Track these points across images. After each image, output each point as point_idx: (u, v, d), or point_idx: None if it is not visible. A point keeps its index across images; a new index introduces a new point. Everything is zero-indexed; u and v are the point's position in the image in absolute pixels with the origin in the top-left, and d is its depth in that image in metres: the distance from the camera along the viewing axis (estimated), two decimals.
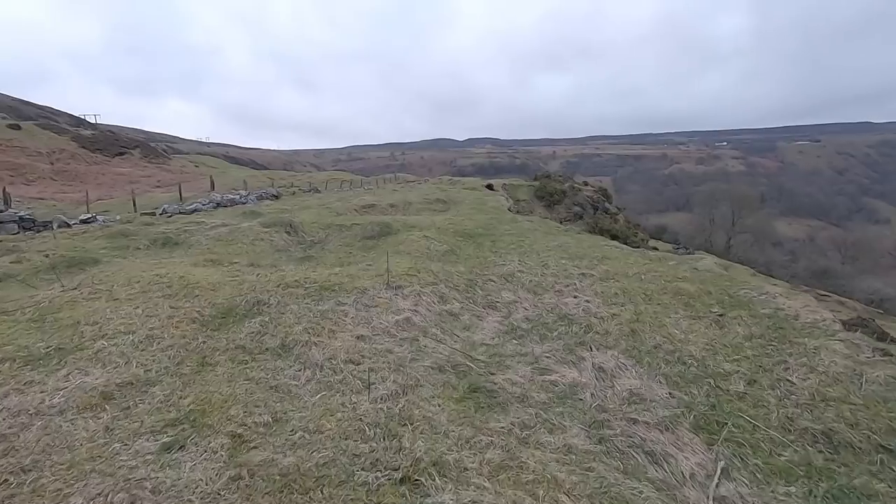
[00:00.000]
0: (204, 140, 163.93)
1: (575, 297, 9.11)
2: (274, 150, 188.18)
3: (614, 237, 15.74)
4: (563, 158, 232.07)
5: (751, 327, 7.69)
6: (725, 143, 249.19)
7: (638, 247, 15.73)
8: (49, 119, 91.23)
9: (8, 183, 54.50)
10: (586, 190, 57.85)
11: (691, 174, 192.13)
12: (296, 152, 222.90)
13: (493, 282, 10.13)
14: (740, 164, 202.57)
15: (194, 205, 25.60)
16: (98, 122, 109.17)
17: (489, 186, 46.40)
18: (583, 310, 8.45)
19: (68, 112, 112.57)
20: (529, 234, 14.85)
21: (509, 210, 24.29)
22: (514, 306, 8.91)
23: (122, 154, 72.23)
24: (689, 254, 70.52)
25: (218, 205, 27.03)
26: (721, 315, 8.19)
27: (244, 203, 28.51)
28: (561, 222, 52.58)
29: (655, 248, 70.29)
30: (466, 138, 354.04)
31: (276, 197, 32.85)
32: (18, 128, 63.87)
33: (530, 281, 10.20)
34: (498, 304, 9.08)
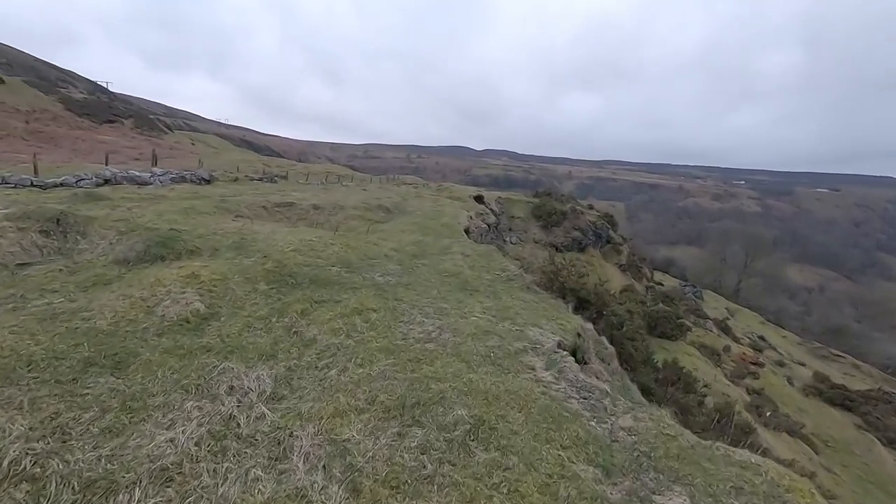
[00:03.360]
0: (223, 121, 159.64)
1: None
2: (291, 139, 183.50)
3: (583, 302, 8.76)
4: (579, 179, 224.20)
5: None
6: (743, 182, 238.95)
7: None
8: (71, 83, 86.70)
9: None
10: (590, 214, 50.69)
11: (706, 209, 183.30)
12: (312, 144, 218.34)
13: None
14: (756, 205, 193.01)
15: (63, 178, 19.04)
16: (111, 89, 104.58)
17: (478, 198, 39.57)
18: None
19: (88, 78, 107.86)
20: (437, 288, 8.10)
21: (466, 232, 17.43)
22: None
23: (111, 122, 66.73)
24: (696, 293, 62.23)
25: (107, 181, 20.54)
26: None
27: (147, 183, 21.95)
28: (557, 248, 45.50)
29: (661, 284, 62.13)
30: (484, 148, 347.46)
31: (209, 181, 26.27)
32: (2, 82, 58.58)
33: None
34: None
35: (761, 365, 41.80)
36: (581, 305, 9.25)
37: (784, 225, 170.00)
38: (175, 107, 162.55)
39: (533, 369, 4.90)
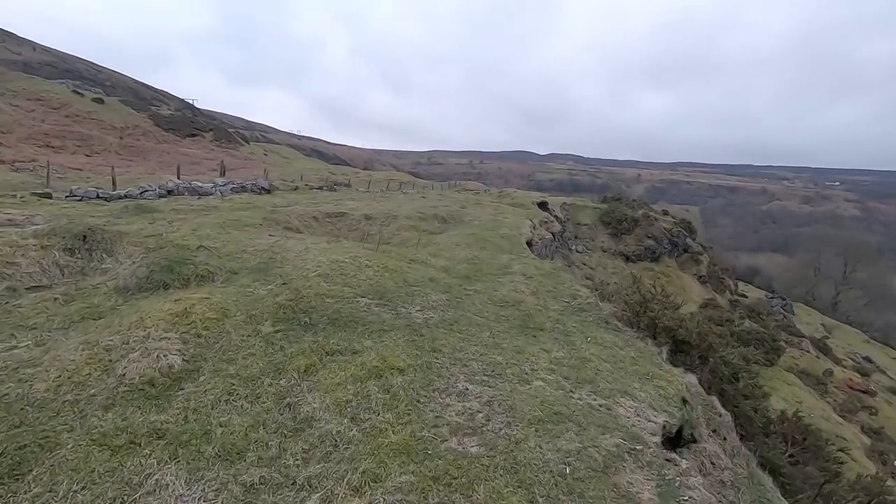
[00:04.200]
0: (296, 133, 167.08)
1: None
2: (358, 148, 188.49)
3: (680, 344, 6.58)
4: (649, 183, 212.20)
5: None
6: (838, 184, 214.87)
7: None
8: (164, 102, 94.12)
9: (71, 152, 53.09)
10: (664, 220, 46.41)
11: (794, 213, 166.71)
12: (378, 152, 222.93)
13: None
14: (854, 209, 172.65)
15: (128, 190, 19.27)
16: (198, 106, 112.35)
17: (542, 205, 37.17)
18: None
19: (179, 97, 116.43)
20: (500, 328, 6.31)
21: (528, 245, 15.41)
22: None
23: (193, 135, 70.91)
24: (785, 307, 55.52)
25: (170, 192, 20.69)
26: None
27: (209, 194, 21.96)
28: (627, 258, 41.89)
29: (744, 296, 56.27)
30: (548, 153, 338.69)
31: (268, 191, 26.16)
32: (101, 102, 63.88)
33: None
34: None
35: (873, 394, 35.98)
36: (678, 348, 7.10)
37: (889, 230, 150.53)
38: (253, 120, 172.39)
39: None
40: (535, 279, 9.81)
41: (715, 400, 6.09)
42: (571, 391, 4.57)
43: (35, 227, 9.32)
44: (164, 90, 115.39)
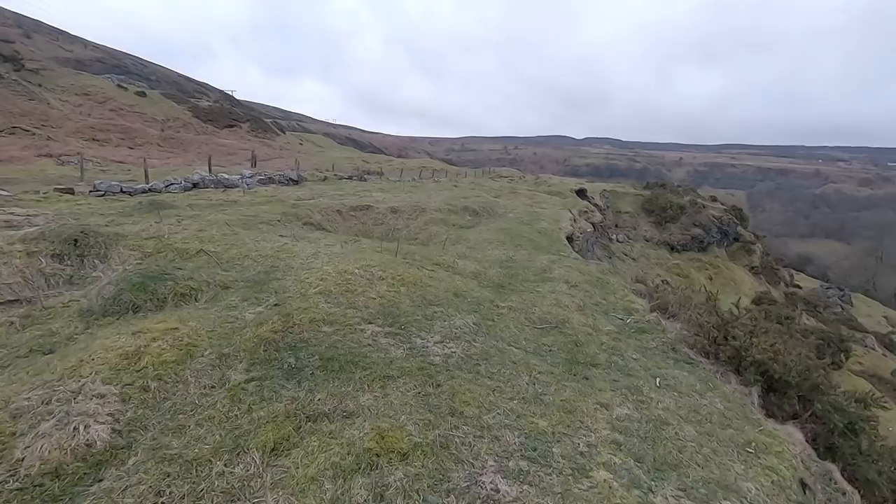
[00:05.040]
0: (332, 122, 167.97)
1: None
2: (393, 136, 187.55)
3: (775, 383, 4.97)
4: (691, 166, 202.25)
5: None
6: None
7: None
8: (204, 94, 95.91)
9: (114, 145, 54.33)
10: (713, 208, 43.11)
11: (851, 197, 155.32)
12: (412, 139, 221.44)
13: None
14: None
15: (153, 183, 18.74)
16: (236, 97, 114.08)
17: (580, 192, 34.96)
18: None
19: (218, 88, 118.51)
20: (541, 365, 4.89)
21: (569, 240, 13.74)
22: None
23: (231, 126, 71.62)
24: (843, 298, 51.25)
25: (195, 185, 20.13)
26: None
27: (235, 186, 21.31)
28: (673, 247, 39.13)
29: (797, 286, 52.30)
30: (584, 137, 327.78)
31: (297, 182, 25.37)
32: (144, 95, 65.14)
33: None
34: None
35: None
36: (771, 386, 5.48)
37: None
38: (290, 110, 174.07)
39: None
40: (580, 288, 8.25)
41: (834, 470, 4.47)
42: (651, 489, 3.11)
43: (28, 229, 8.50)
44: (205, 82, 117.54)
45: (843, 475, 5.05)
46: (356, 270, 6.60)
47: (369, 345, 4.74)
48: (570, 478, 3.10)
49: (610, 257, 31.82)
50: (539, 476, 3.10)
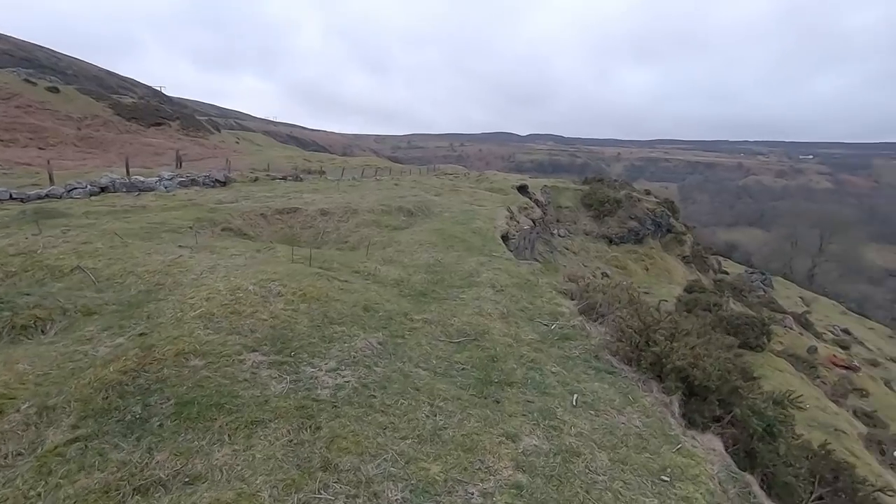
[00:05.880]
0: (272, 119, 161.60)
1: None
2: (337, 134, 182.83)
3: (697, 390, 4.70)
4: (628, 161, 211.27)
5: None
6: (811, 157, 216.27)
7: None
8: (130, 90, 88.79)
9: (22, 146, 49.26)
10: (647, 201, 44.80)
11: (769, 188, 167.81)
12: (358, 137, 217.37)
13: None
14: (827, 181, 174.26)
15: (50, 189, 16.82)
16: (166, 93, 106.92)
17: (522, 189, 35.18)
18: None
19: (146, 84, 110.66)
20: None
21: (504, 239, 13.44)
22: None
23: (158, 125, 66.85)
24: (765, 282, 55.02)
25: (103, 189, 18.27)
26: None
27: (151, 189, 19.54)
28: (611, 240, 40.27)
29: (725, 272, 55.60)
30: (528, 133, 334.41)
31: (224, 183, 23.72)
32: (56, 91, 59.44)
33: None
34: None
35: (856, 369, 35.38)
36: (692, 392, 5.26)
37: (860, 202, 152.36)
38: (227, 107, 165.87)
39: None
40: (506, 292, 7.83)
41: (753, 483, 4.23)
42: None
43: None
44: (131, 77, 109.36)
45: (761, 483, 4.88)
46: (251, 287, 5.81)
47: (245, 380, 4.01)
48: None
49: (551, 252, 32.21)
50: None
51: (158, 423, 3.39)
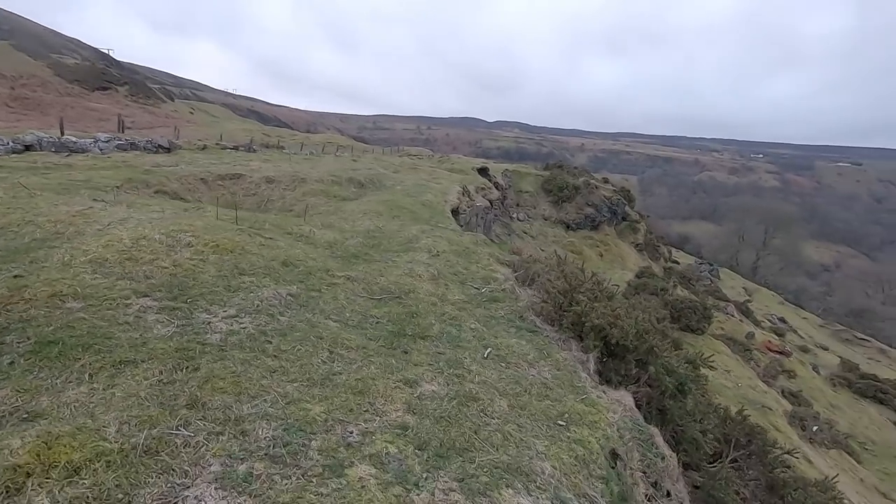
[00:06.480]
0: (232, 91, 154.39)
1: None
2: (301, 111, 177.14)
3: (615, 348, 4.73)
4: (592, 152, 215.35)
5: None
6: (761, 156, 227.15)
7: None
8: (75, 51, 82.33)
9: None
10: (605, 188, 45.77)
11: (722, 184, 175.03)
12: (322, 115, 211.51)
13: None
14: (774, 180, 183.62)
15: None
16: (115, 57, 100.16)
17: (482, 171, 35.14)
18: None
19: (94, 46, 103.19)
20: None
21: (454, 213, 13.29)
22: None
23: (104, 89, 62.69)
24: (712, 272, 57.58)
25: (28, 147, 16.90)
26: None
27: (84, 151, 18.25)
28: (568, 226, 40.95)
29: (676, 262, 57.78)
30: (496, 120, 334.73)
31: (168, 149, 22.42)
32: None
33: None
34: None
35: (788, 354, 37.71)
36: (610, 352, 5.30)
37: (803, 200, 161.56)
38: (183, 76, 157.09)
39: None
40: (442, 258, 7.69)
41: (656, 434, 4.28)
42: (418, 485, 2.50)
43: None
44: (76, 38, 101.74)
45: (670, 438, 4.98)
46: (157, 236, 5.39)
47: (126, 323, 3.68)
48: (313, 480, 2.39)
49: (509, 235, 32.42)
50: (273, 480, 2.35)
51: (9, 360, 3.04)
